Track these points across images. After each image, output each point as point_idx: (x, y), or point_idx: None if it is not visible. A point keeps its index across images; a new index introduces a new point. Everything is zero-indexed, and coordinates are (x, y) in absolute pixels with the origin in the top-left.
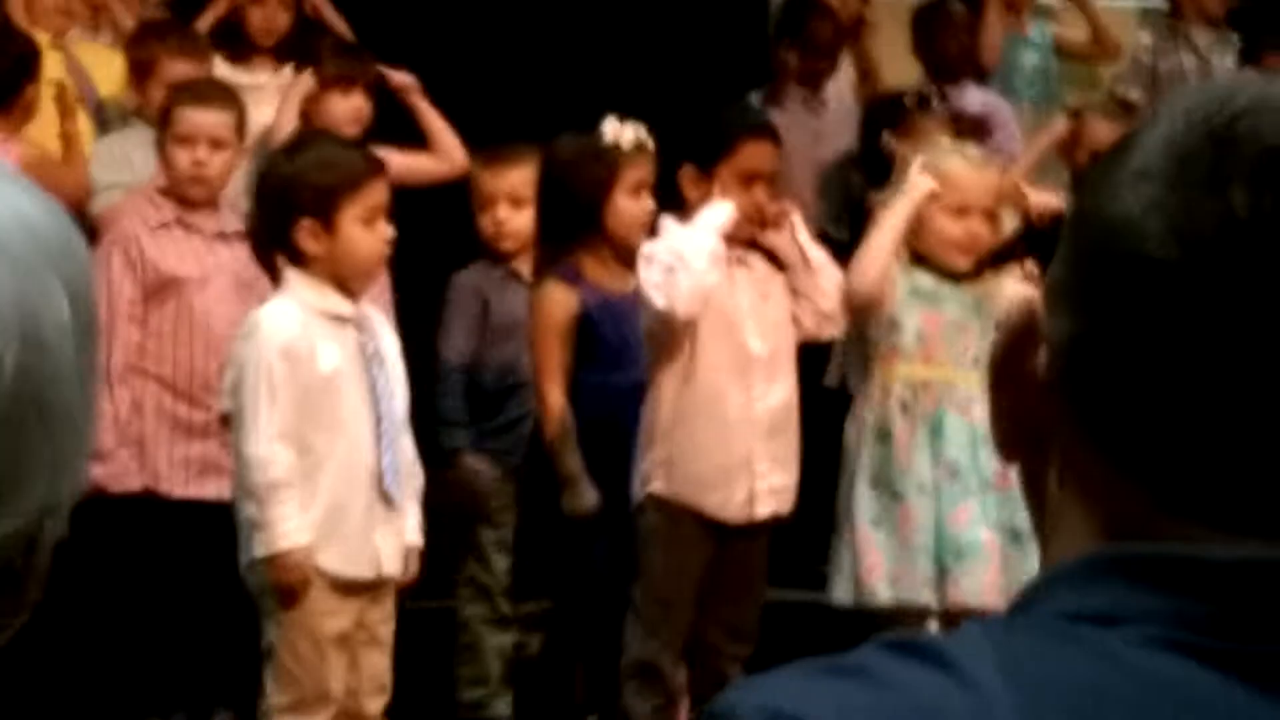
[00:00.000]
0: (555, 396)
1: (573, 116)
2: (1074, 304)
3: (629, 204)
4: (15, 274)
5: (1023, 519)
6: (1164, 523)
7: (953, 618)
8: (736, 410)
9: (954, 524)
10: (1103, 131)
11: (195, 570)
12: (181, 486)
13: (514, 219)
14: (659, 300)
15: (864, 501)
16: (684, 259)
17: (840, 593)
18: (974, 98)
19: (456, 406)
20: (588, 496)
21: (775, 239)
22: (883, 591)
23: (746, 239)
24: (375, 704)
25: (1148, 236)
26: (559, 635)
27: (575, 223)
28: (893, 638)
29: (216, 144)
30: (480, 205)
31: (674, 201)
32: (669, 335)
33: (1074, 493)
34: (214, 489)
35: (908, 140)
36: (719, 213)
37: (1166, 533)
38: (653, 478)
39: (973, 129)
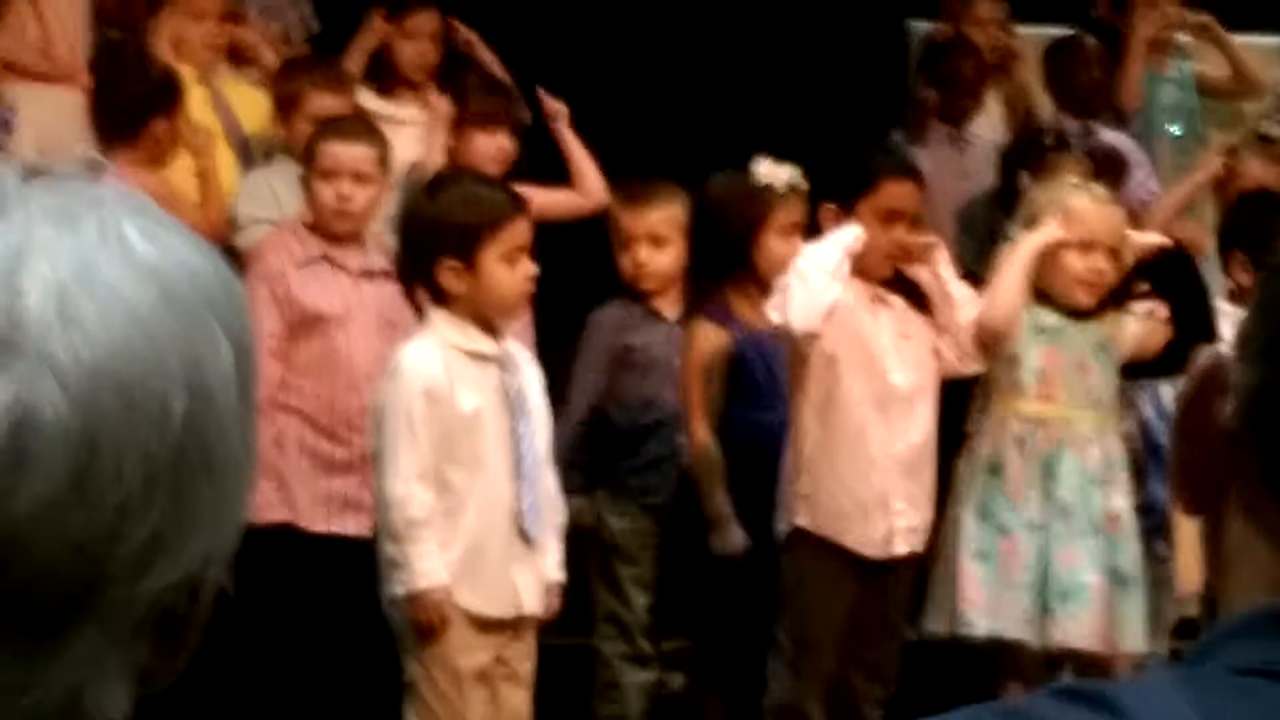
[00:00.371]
0: (703, 434)
1: (714, 156)
2: (1261, 353)
3: (779, 244)
4: (181, 323)
5: (1127, 561)
6: None
7: (1053, 658)
8: (877, 446)
9: (1061, 564)
10: (1256, 169)
11: (334, 605)
12: (322, 522)
13: (655, 259)
14: (775, 316)
15: (968, 533)
16: (801, 274)
17: (934, 623)
18: (1109, 138)
19: (574, 451)
20: (735, 537)
21: (919, 274)
22: (980, 624)
23: (887, 276)
24: None
25: None
26: (701, 674)
27: (726, 261)
28: (1067, 684)
29: (360, 178)
30: (621, 244)
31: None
32: (794, 356)
33: (1252, 544)
34: (354, 525)
35: (1043, 178)
36: (846, 234)
37: None
38: (796, 511)
39: (1109, 168)
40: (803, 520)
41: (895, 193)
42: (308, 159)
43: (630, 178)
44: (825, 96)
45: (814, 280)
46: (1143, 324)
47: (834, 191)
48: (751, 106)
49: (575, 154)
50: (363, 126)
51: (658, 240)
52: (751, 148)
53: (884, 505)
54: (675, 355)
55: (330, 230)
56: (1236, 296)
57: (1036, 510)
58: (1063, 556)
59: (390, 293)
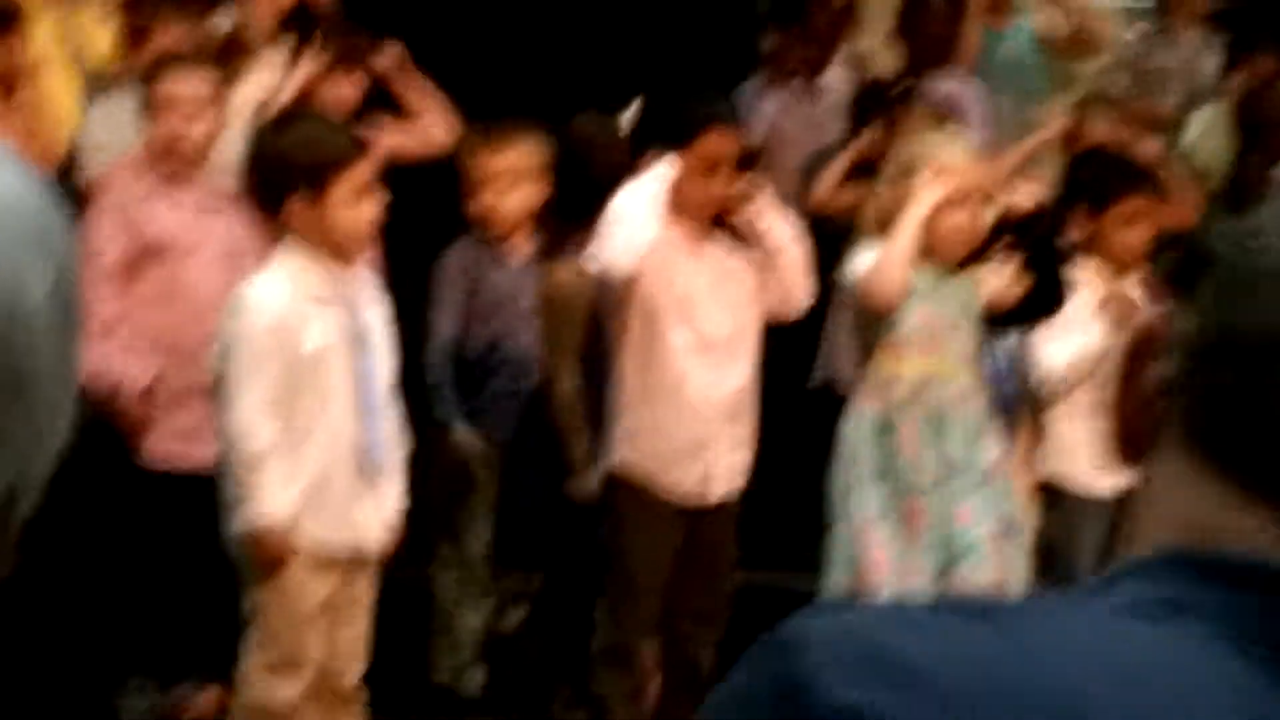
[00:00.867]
0: (567, 379)
1: (567, 100)
2: (1205, 306)
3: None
4: None
5: (1014, 509)
6: (1247, 526)
7: None
8: (697, 392)
9: (958, 520)
10: (1100, 128)
11: (175, 539)
12: (164, 454)
13: (506, 201)
14: (593, 264)
15: (868, 497)
16: (618, 215)
17: (837, 585)
18: (948, 88)
19: (445, 380)
20: (593, 482)
21: (738, 219)
22: (885, 587)
23: (707, 221)
24: (351, 673)
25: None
26: (543, 612)
27: (589, 205)
28: (953, 599)
29: (194, 114)
30: (471, 185)
31: None
32: (614, 299)
33: (1171, 488)
34: (197, 458)
35: (893, 129)
36: (658, 172)
37: (1246, 538)
38: (615, 455)
39: (945, 116)
40: (621, 465)
41: (716, 142)
42: (147, 92)
43: (481, 119)
44: (676, 45)
45: (630, 220)
46: (999, 277)
47: (661, 140)
48: (605, 51)
49: (422, 95)
50: (199, 60)
51: (509, 182)
52: (602, 92)
53: (702, 450)
54: (523, 296)
55: (166, 165)
56: (1076, 250)
57: (931, 470)
58: (959, 513)
59: (234, 224)
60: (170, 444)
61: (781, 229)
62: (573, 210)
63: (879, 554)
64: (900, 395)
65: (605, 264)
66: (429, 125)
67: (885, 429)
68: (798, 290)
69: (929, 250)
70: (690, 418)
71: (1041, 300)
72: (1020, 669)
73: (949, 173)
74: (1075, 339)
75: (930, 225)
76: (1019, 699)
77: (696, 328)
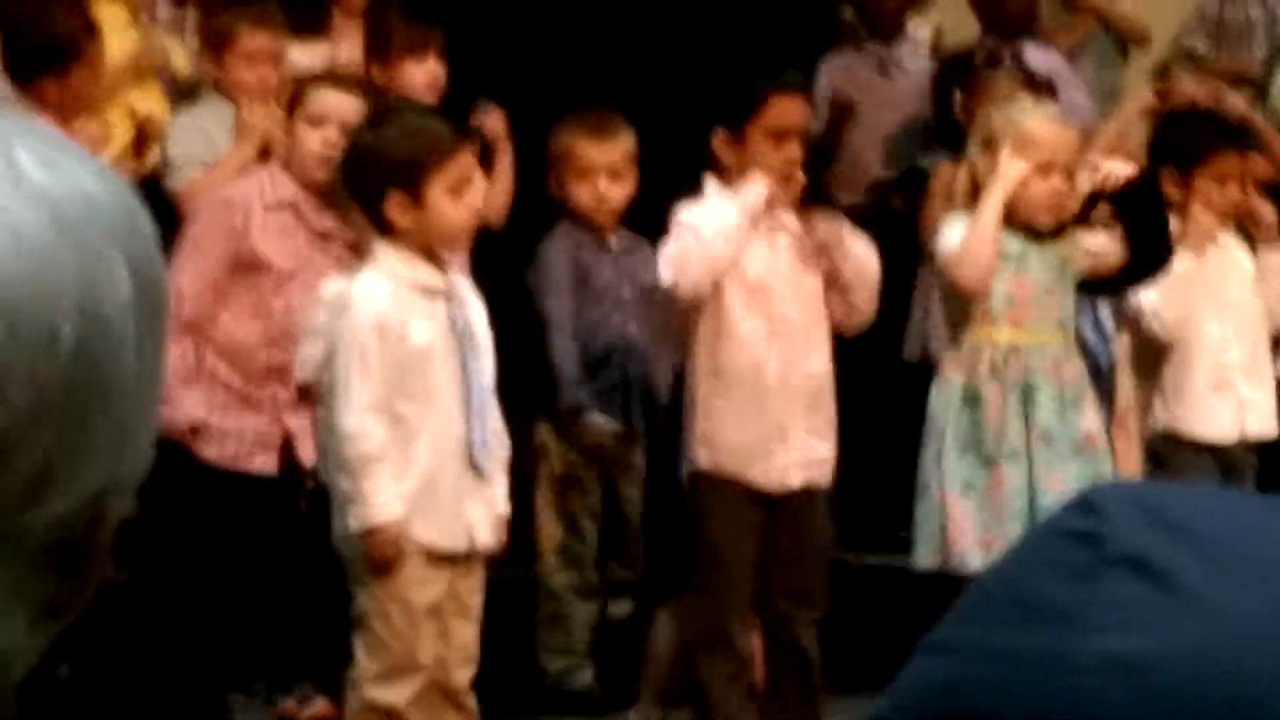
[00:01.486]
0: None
1: (649, 84)
2: None
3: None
4: (74, 250)
5: (1107, 478)
6: None
7: None
8: (773, 378)
9: (1049, 491)
10: (1188, 86)
11: (274, 542)
12: (234, 460)
13: (614, 191)
14: (667, 274)
15: (953, 467)
16: (698, 234)
17: (924, 558)
18: (1036, 57)
19: (574, 365)
20: None
21: (816, 229)
22: (972, 557)
23: (785, 202)
24: (463, 674)
25: None
26: (647, 603)
27: None
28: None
29: (345, 128)
30: (578, 175)
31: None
32: (679, 311)
33: None
34: (260, 464)
35: (978, 100)
36: (749, 192)
37: None
38: (695, 453)
39: (1039, 89)
40: (702, 462)
41: (783, 108)
42: (291, 104)
43: (581, 108)
44: (755, 25)
45: (713, 243)
46: (1098, 242)
47: (724, 116)
48: (684, 33)
49: (505, 167)
50: (350, 78)
51: (616, 173)
52: (684, 75)
53: (783, 438)
54: (624, 284)
55: (309, 177)
56: (1171, 211)
57: (1018, 438)
58: (1049, 483)
59: (342, 258)
60: (241, 452)
61: (859, 248)
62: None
63: (964, 525)
64: (987, 364)
65: (679, 284)
66: (499, 193)
67: (971, 399)
68: (865, 309)
69: (1019, 217)
70: (767, 405)
71: (1145, 263)
72: None
73: (1033, 143)
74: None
75: (1019, 193)
76: None
77: (769, 313)
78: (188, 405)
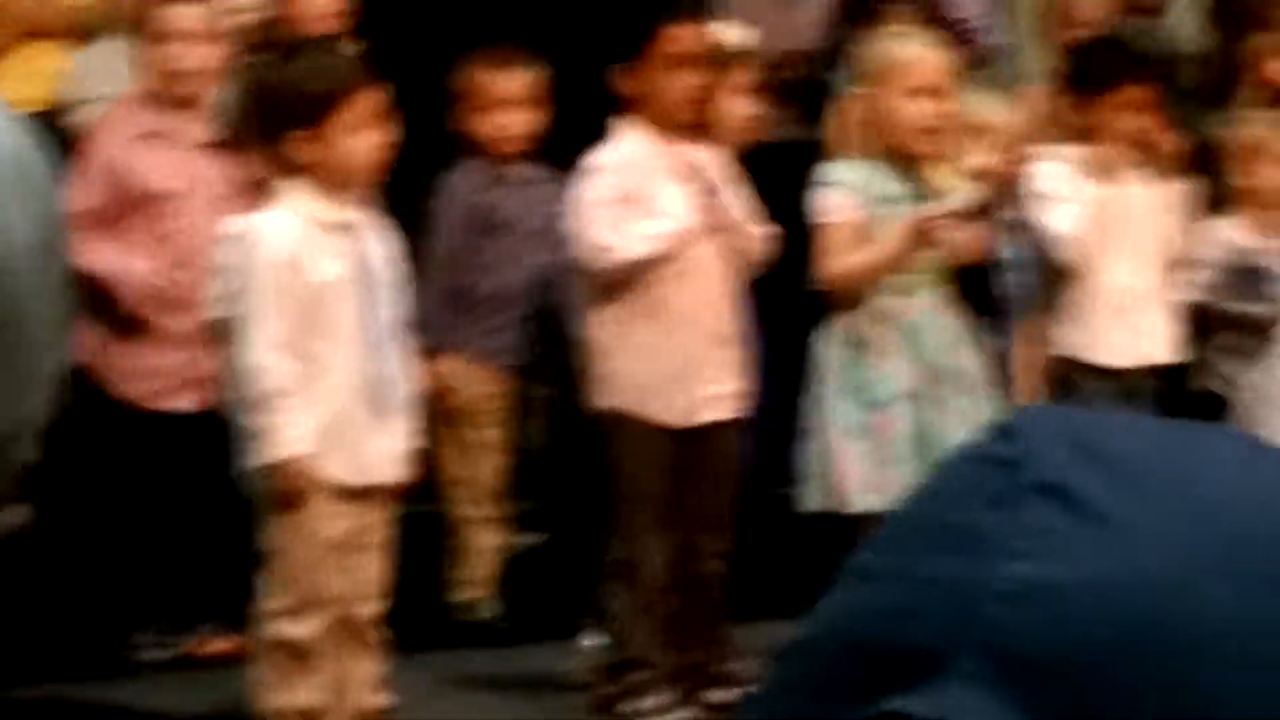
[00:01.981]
0: None
1: (549, 25)
2: None
3: (731, 105)
4: None
5: (993, 416)
6: None
7: None
8: (677, 317)
9: (939, 428)
10: (1087, 9)
11: (172, 479)
12: (156, 399)
13: (516, 122)
14: (588, 253)
15: (837, 411)
16: (631, 242)
17: (811, 500)
18: None
19: (433, 306)
20: None
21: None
22: (859, 500)
23: (689, 123)
24: (371, 608)
25: None
26: (555, 535)
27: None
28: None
29: (192, 39)
30: (479, 107)
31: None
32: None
33: None
34: (187, 402)
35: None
36: (676, 216)
37: None
38: (601, 390)
39: (948, 26)
40: (608, 399)
41: (677, 37)
42: (139, 26)
43: (486, 44)
44: None
45: (636, 245)
46: (963, 176)
47: (621, 54)
48: None
49: None
50: None
51: (518, 105)
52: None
53: (692, 375)
54: (530, 217)
55: (168, 96)
56: (1075, 138)
57: (906, 378)
58: (940, 420)
59: (228, 168)
60: (160, 387)
61: (736, 210)
62: None
63: (851, 467)
64: (873, 308)
65: (610, 259)
66: None
67: (858, 343)
68: (754, 257)
69: (897, 144)
70: (673, 343)
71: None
72: (1226, 476)
73: (903, 69)
74: (1072, 206)
75: (893, 121)
76: (1212, 504)
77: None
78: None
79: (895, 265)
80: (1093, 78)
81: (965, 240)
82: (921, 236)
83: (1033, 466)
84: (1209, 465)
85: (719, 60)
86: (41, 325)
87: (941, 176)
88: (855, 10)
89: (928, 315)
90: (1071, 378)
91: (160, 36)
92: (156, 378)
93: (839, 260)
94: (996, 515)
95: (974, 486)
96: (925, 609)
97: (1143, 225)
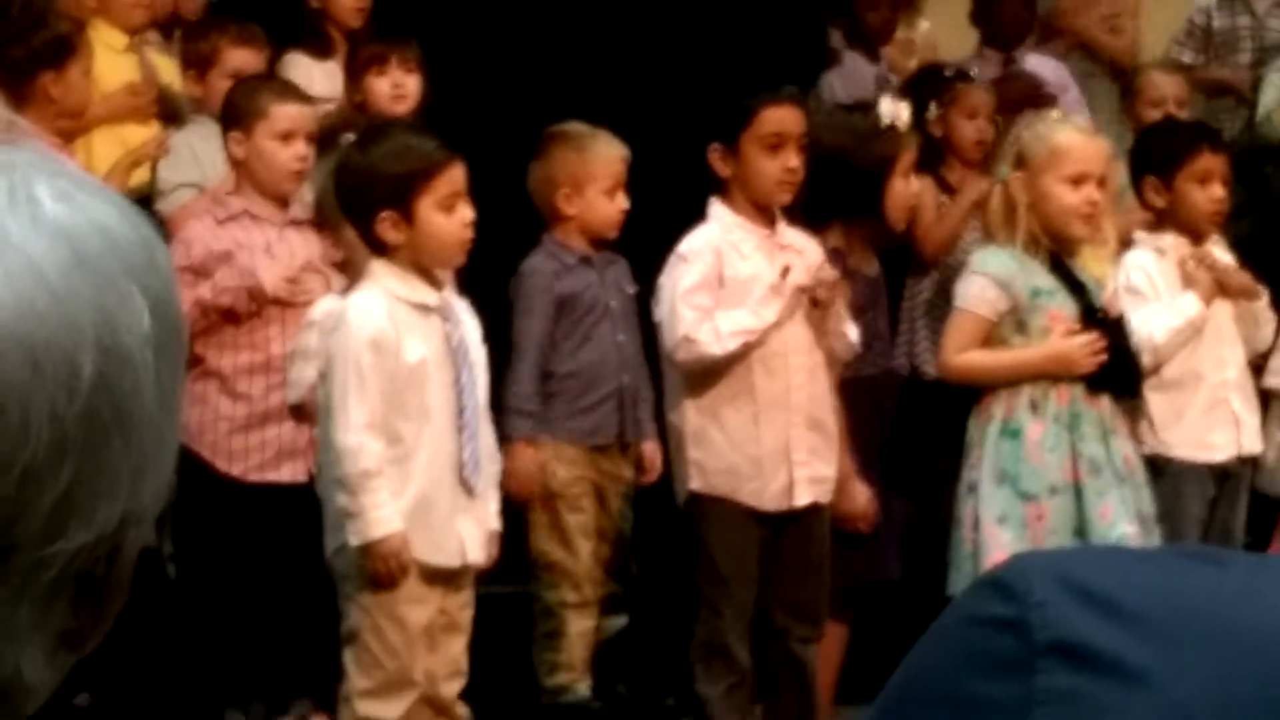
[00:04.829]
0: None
1: (643, 102)
2: None
3: (903, 185)
4: (93, 284)
5: (1146, 504)
6: None
7: None
8: (765, 400)
9: (1101, 519)
10: (1164, 85)
11: (271, 558)
12: (257, 471)
13: (605, 204)
14: (678, 348)
15: (988, 497)
16: (720, 336)
17: (959, 586)
18: (1034, 64)
19: (529, 393)
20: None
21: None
22: None
23: (783, 203)
24: (452, 688)
25: None
26: (641, 618)
27: (849, 200)
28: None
29: (311, 139)
30: (575, 189)
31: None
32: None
33: None
34: (289, 473)
35: (953, 112)
36: (764, 309)
37: None
38: (689, 477)
39: (1031, 96)
40: (696, 484)
41: (775, 118)
42: (251, 118)
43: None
44: (745, 50)
45: (728, 344)
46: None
47: (718, 131)
48: (674, 55)
49: None
50: (299, 88)
51: (609, 189)
52: (677, 95)
53: (783, 457)
54: (611, 297)
55: (279, 191)
56: (1152, 223)
57: (1059, 471)
58: (1100, 511)
59: (314, 241)
60: (265, 462)
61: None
62: (828, 210)
63: (1000, 556)
64: (1026, 399)
65: (688, 354)
66: None
67: (1012, 432)
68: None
69: (1050, 229)
70: (762, 426)
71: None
72: (1243, 608)
73: (1064, 155)
74: (1165, 311)
75: (1052, 209)
76: (1239, 637)
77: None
78: None
79: (1019, 375)
80: (1163, 155)
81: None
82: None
83: (1041, 625)
84: (1226, 598)
85: (893, 141)
86: (157, 418)
87: (1092, 266)
88: (928, 86)
89: (1083, 403)
90: (1164, 475)
91: (287, 135)
92: (258, 452)
93: (963, 354)
94: (1011, 684)
95: (979, 654)
96: None
97: (1229, 319)
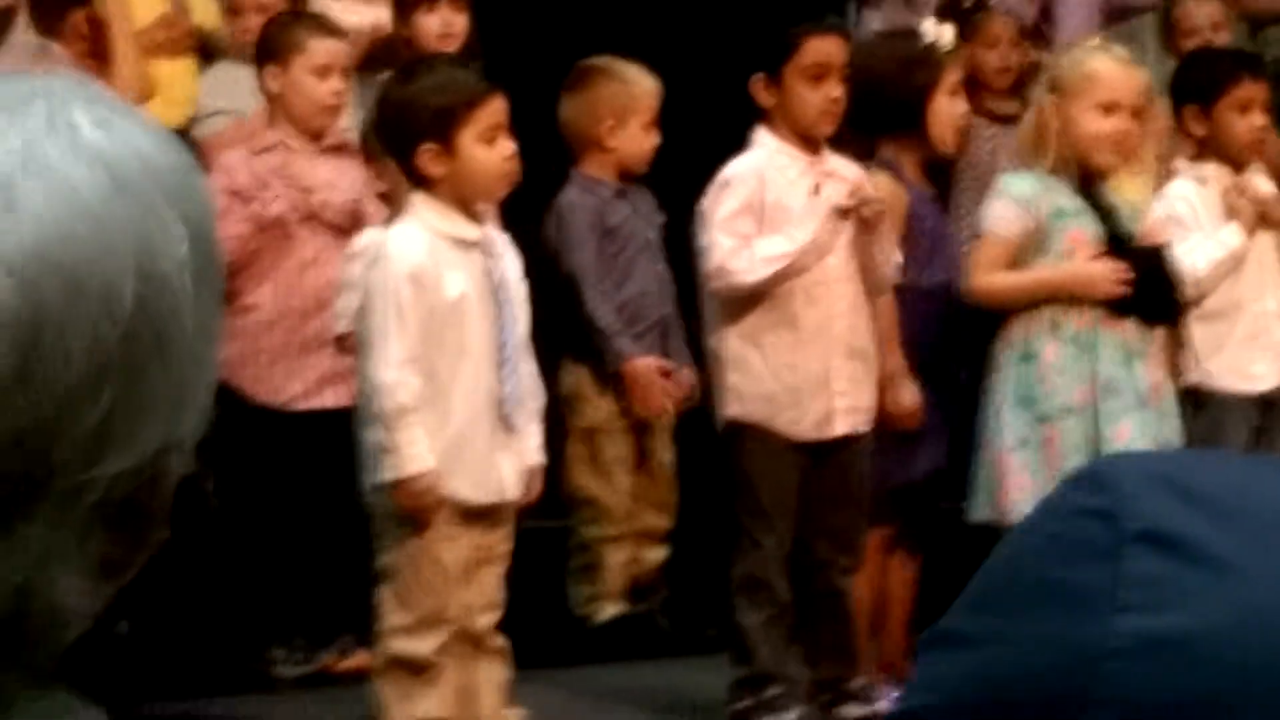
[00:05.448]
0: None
1: (671, 37)
2: None
3: (947, 104)
4: (132, 210)
5: (1172, 433)
6: None
7: None
8: (808, 329)
9: (1116, 440)
10: (1198, 13)
11: (316, 489)
12: (303, 399)
13: (641, 137)
14: (718, 276)
15: (1006, 422)
16: (760, 261)
17: (980, 512)
18: None
19: (613, 319)
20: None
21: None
22: (1025, 509)
23: (828, 134)
24: (487, 620)
25: None
26: (683, 551)
27: (894, 120)
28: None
29: (346, 73)
30: (619, 121)
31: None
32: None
33: None
34: (332, 398)
35: (976, 40)
36: (801, 235)
37: None
38: (726, 403)
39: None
40: (734, 410)
41: (818, 48)
42: (287, 52)
43: (597, 55)
44: None
45: (762, 270)
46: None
47: (762, 63)
48: None
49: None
50: (334, 23)
51: (646, 117)
52: (708, 25)
53: (823, 386)
54: (647, 228)
55: (315, 125)
56: (1194, 152)
57: (1075, 393)
58: (1116, 432)
59: (351, 169)
60: (309, 389)
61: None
62: (871, 126)
63: (1017, 479)
64: (1045, 321)
65: (728, 281)
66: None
67: (1028, 355)
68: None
69: (1079, 156)
70: (804, 354)
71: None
72: None
73: (1097, 82)
74: (1207, 243)
75: (1077, 130)
76: None
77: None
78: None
79: (1038, 295)
80: (1205, 84)
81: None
82: None
83: (1131, 515)
84: None
85: (935, 62)
86: (195, 343)
87: (1129, 192)
88: (952, 15)
89: (1098, 328)
90: (1206, 404)
91: (324, 70)
92: (299, 378)
93: (986, 276)
94: (1100, 568)
95: (1072, 540)
96: (1039, 671)
97: (1272, 251)
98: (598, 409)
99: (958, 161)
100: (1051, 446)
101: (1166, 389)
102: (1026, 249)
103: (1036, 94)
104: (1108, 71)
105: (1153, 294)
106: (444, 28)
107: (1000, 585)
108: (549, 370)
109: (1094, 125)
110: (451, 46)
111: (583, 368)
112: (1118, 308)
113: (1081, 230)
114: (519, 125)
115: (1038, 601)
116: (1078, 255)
